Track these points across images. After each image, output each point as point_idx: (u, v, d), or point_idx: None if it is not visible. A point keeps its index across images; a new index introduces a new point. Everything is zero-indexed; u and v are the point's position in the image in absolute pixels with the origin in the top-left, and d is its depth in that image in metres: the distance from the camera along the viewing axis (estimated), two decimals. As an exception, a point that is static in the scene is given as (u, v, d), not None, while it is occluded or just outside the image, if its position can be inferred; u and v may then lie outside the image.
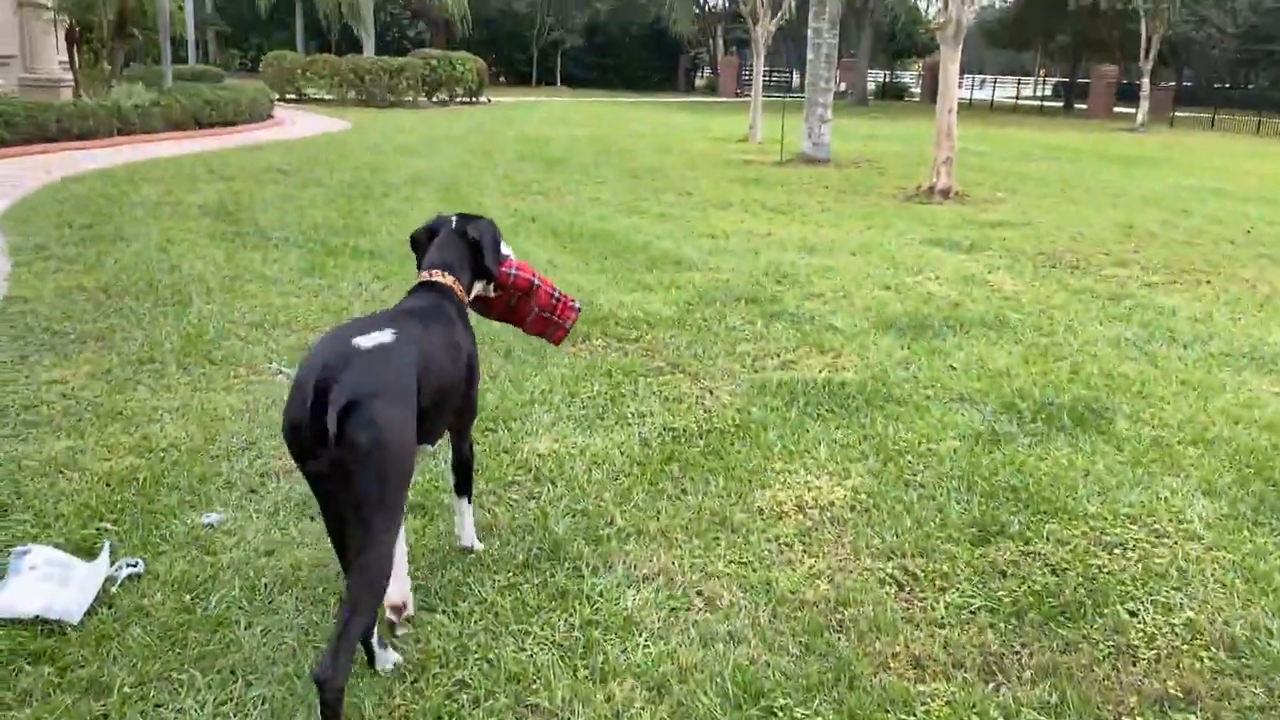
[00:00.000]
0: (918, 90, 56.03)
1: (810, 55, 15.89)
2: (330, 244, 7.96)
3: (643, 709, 2.49)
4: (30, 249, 7.38)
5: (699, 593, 3.02)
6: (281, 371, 4.84)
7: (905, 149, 19.42)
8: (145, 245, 7.59)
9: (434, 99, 31.29)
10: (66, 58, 17.88)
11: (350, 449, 2.03)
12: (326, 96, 30.16)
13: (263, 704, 2.45)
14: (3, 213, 9.00)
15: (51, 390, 4.48)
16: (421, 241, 2.97)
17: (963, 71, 13.35)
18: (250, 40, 46.73)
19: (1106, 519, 3.57)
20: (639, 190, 12.12)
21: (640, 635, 2.78)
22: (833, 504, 3.62)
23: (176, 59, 25.58)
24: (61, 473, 3.67)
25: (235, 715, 2.42)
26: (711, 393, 4.75)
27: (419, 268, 2.90)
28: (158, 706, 2.43)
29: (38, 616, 2.73)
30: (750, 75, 49.64)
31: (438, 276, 2.81)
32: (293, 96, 29.58)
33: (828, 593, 3.03)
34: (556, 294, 3.22)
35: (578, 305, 3.30)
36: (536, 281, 3.17)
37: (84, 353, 5.01)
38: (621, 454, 4.00)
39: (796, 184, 13.19)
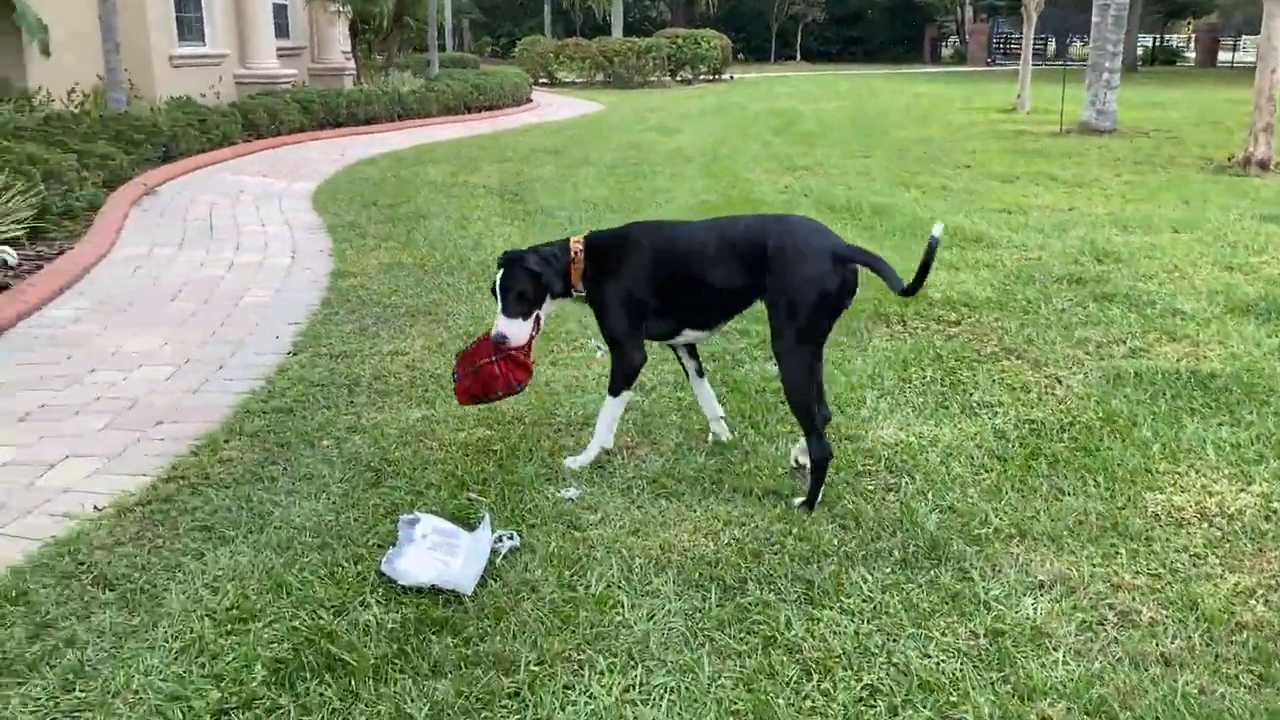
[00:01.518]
0: (1190, 55, 51.41)
1: (1096, 18, 14.71)
2: (611, 221, 7.99)
3: (1085, 736, 2.23)
4: (345, 226, 7.86)
5: (1110, 605, 2.71)
6: (600, 348, 4.85)
7: (1195, 116, 17.74)
8: (445, 223, 7.91)
9: (677, 78, 31.50)
10: (349, 47, 19.13)
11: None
12: (575, 79, 30.94)
13: (669, 693, 2.37)
14: (313, 192, 9.67)
15: (395, 361, 4.67)
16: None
17: (1243, 32, 11.95)
18: (501, 27, 48.69)
19: None
20: (908, 163, 11.61)
21: (1056, 650, 2.51)
22: (1241, 512, 3.20)
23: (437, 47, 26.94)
24: (421, 441, 3.78)
25: (643, 704, 2.34)
26: (1060, 382, 4.36)
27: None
28: (566, 689, 2.39)
29: (434, 586, 2.78)
30: (1003, 43, 47.16)
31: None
32: (544, 80, 30.52)
33: (1267, 616, 2.65)
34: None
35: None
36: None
37: (415, 326, 5.22)
38: (978, 447, 3.71)
39: (1083, 155, 12.24)
